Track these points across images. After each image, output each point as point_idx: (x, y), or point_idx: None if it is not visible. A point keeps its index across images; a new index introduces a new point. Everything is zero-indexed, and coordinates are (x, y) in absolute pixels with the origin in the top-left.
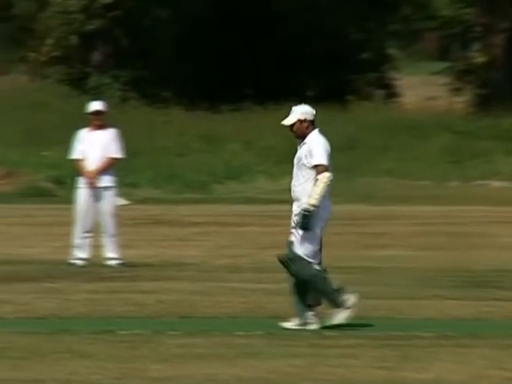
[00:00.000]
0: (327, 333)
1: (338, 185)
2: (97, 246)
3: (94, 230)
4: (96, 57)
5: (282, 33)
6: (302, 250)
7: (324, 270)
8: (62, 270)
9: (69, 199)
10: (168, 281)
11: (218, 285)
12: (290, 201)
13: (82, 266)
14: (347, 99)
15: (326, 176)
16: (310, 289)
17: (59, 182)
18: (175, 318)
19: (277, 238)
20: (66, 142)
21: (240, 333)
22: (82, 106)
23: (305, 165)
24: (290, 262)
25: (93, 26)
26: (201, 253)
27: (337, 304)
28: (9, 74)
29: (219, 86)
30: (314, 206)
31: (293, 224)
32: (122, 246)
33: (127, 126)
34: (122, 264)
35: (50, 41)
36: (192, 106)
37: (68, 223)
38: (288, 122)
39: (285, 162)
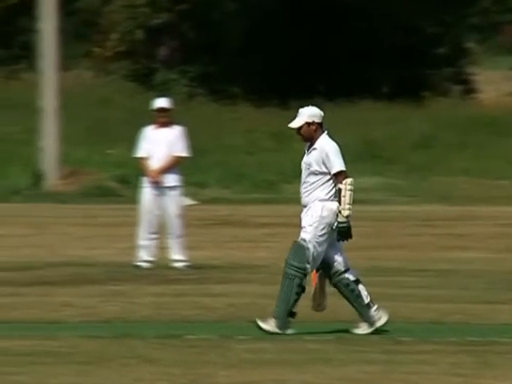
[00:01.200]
0: (402, 338)
1: (412, 184)
2: (162, 248)
3: (160, 231)
4: (162, 52)
5: (355, 26)
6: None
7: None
8: (127, 273)
9: (134, 199)
10: (237, 283)
11: None
12: (361, 201)
13: (148, 268)
14: (423, 95)
15: (348, 182)
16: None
17: (124, 181)
18: (244, 323)
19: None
20: (131, 139)
21: (310, 338)
22: (148, 102)
23: (314, 172)
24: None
25: (159, 19)
26: (270, 254)
27: (282, 317)
28: (73, 70)
29: (289, 81)
30: (348, 216)
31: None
32: (188, 247)
33: (194, 123)
34: (188, 266)
35: (114, 35)
36: (261, 103)
37: (133, 224)
38: (295, 124)
39: (357, 160)
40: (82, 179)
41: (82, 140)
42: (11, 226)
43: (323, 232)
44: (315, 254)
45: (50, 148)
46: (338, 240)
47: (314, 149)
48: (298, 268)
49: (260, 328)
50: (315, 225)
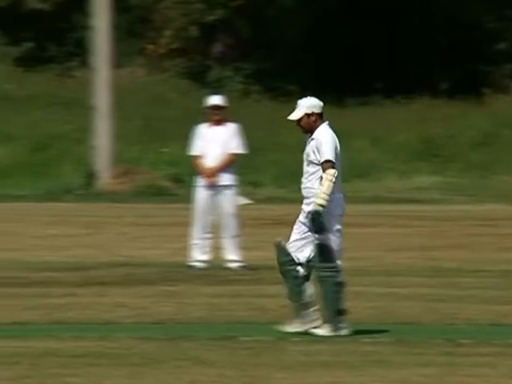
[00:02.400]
0: (461, 340)
1: (472, 183)
2: (217, 248)
3: (214, 231)
4: (217, 48)
5: (414, 22)
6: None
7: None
8: (181, 273)
9: (188, 198)
10: None
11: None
12: (420, 200)
13: (202, 269)
14: (482, 92)
15: (330, 173)
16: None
17: (178, 180)
18: None
19: (406, 240)
20: (185, 137)
21: (367, 339)
22: (202, 100)
23: (312, 161)
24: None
25: (214, 16)
26: None
27: (332, 319)
28: (126, 68)
29: (346, 78)
30: (321, 206)
31: (301, 223)
32: (243, 247)
33: (249, 120)
34: (243, 266)
35: (168, 32)
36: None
37: (187, 223)
38: (294, 116)
39: (416, 159)
40: (135, 178)
41: (136, 138)
42: (64, 226)
43: (335, 225)
44: (337, 246)
45: (103, 147)
46: (311, 229)
47: (313, 139)
48: (329, 268)
49: (316, 335)
50: (326, 222)
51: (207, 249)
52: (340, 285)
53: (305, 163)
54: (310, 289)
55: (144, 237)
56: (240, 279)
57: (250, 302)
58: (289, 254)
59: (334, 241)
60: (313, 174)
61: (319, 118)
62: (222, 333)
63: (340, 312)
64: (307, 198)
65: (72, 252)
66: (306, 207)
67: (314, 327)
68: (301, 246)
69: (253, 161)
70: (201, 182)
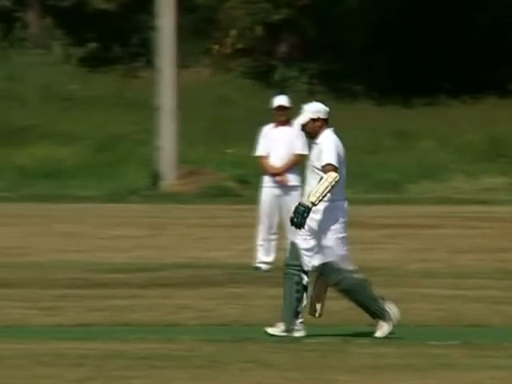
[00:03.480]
0: None
1: None
2: (282, 249)
3: (280, 232)
4: (282, 48)
5: (480, 21)
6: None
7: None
8: (247, 275)
9: (253, 199)
10: None
11: (411, 291)
12: (486, 201)
13: (267, 270)
14: None
15: (332, 176)
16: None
17: (243, 180)
18: (365, 326)
19: (474, 241)
20: (250, 138)
21: (434, 342)
22: (267, 100)
23: (316, 167)
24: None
25: (279, 15)
26: (392, 257)
27: (382, 315)
28: (191, 68)
29: (413, 78)
30: (313, 204)
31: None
32: None
33: None
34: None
35: (233, 32)
36: (383, 101)
37: (252, 225)
38: (299, 121)
39: (483, 159)
40: (199, 179)
41: (200, 139)
42: (128, 227)
43: (341, 232)
44: (342, 253)
45: (167, 147)
46: (291, 221)
47: (316, 144)
48: (344, 277)
49: (270, 334)
50: (333, 230)
51: (272, 250)
52: (363, 281)
53: (308, 170)
54: (305, 300)
55: (209, 238)
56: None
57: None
58: (298, 259)
59: (338, 247)
60: (315, 180)
61: (324, 123)
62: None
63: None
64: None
65: (136, 253)
66: (312, 214)
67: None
68: (307, 253)
69: None
70: (266, 182)
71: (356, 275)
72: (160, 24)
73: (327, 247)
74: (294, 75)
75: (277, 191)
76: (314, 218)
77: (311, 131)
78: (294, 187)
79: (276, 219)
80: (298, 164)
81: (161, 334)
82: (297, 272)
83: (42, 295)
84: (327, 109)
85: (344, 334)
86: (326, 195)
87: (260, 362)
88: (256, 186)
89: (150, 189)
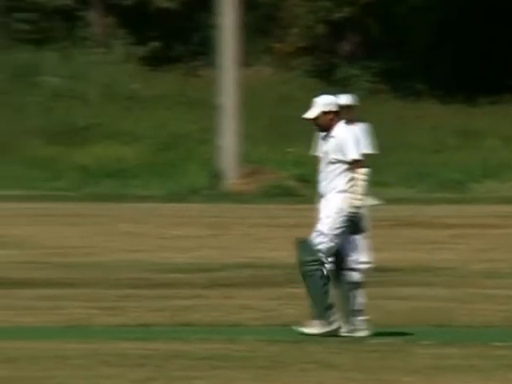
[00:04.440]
0: None
1: None
2: None
3: None
4: (344, 47)
5: None
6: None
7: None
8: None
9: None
10: (420, 286)
11: (475, 291)
12: None
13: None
14: None
15: (362, 172)
16: (307, 283)
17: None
18: (428, 327)
19: None
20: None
21: (498, 343)
22: None
23: (331, 161)
24: (301, 246)
25: (342, 13)
26: (456, 257)
27: (323, 315)
28: (253, 66)
29: (477, 76)
30: (358, 207)
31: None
32: (372, 248)
33: (377, 120)
34: (372, 268)
35: (295, 30)
36: (447, 99)
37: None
38: (311, 115)
39: None
40: (261, 178)
41: (262, 138)
42: (190, 227)
43: (341, 224)
44: (331, 245)
45: (228, 147)
46: (351, 232)
47: (332, 137)
48: (313, 261)
49: (307, 334)
50: (334, 216)
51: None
52: (327, 278)
53: (322, 162)
54: (361, 297)
55: (270, 238)
56: (368, 281)
57: (377, 304)
58: (314, 254)
59: (328, 236)
60: (331, 173)
61: (336, 116)
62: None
63: (329, 307)
64: (325, 196)
65: (198, 253)
66: (323, 202)
67: (353, 333)
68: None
69: (380, 160)
70: None
71: (326, 270)
72: (221, 22)
73: (319, 231)
74: (356, 73)
75: None
76: (323, 206)
77: (323, 124)
78: None
79: None
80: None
81: (223, 335)
82: (316, 267)
83: (105, 295)
84: (338, 101)
85: (406, 335)
86: (364, 192)
87: (321, 363)
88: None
89: (212, 188)
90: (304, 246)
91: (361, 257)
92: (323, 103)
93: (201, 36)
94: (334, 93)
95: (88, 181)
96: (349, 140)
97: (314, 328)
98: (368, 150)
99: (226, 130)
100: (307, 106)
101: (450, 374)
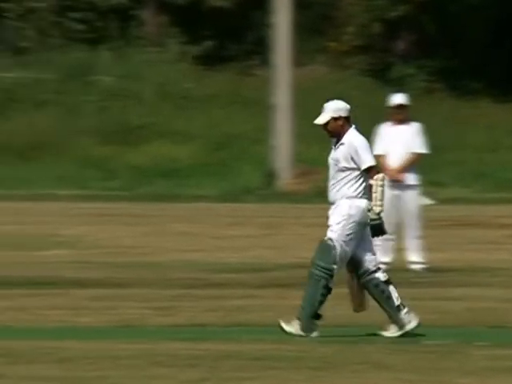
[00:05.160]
0: None
1: None
2: (399, 249)
3: (397, 232)
4: (400, 45)
5: None
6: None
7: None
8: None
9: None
10: (477, 287)
11: None
12: None
13: (384, 271)
14: None
15: (379, 178)
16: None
17: None
18: (484, 328)
19: None
20: (367, 137)
21: None
22: (384, 98)
23: (341, 168)
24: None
25: (397, 12)
26: None
27: (306, 319)
28: (307, 66)
29: None
30: (379, 213)
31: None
32: (426, 249)
33: (432, 119)
34: (426, 268)
35: (350, 29)
36: (504, 98)
37: None
38: (321, 121)
39: None
40: (315, 178)
41: (315, 138)
42: (243, 227)
43: (351, 231)
44: (342, 253)
45: (282, 146)
46: (373, 236)
47: (342, 144)
48: (325, 269)
49: (283, 330)
50: (343, 223)
51: (390, 250)
52: (328, 290)
53: (331, 169)
54: (395, 291)
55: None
56: (422, 281)
57: (432, 304)
58: (329, 262)
59: (343, 247)
60: (340, 180)
61: (346, 121)
62: (402, 336)
63: (317, 316)
64: (334, 203)
65: (252, 253)
66: (332, 209)
67: (410, 328)
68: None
69: (436, 160)
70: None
71: (331, 283)
72: (276, 21)
73: (329, 238)
74: (411, 73)
75: (395, 191)
76: (332, 213)
77: (333, 130)
78: (411, 186)
79: (394, 219)
80: (417, 163)
81: (276, 335)
82: (325, 276)
83: (159, 295)
84: (348, 107)
85: (461, 336)
86: (383, 198)
87: (374, 364)
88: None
89: (265, 188)
90: (324, 250)
91: (413, 257)
92: (333, 109)
93: (255, 35)
94: (389, 92)
95: (142, 180)
96: (361, 147)
97: (292, 327)
98: (422, 150)
99: (279, 129)
100: (362, 105)
101: (504, 376)
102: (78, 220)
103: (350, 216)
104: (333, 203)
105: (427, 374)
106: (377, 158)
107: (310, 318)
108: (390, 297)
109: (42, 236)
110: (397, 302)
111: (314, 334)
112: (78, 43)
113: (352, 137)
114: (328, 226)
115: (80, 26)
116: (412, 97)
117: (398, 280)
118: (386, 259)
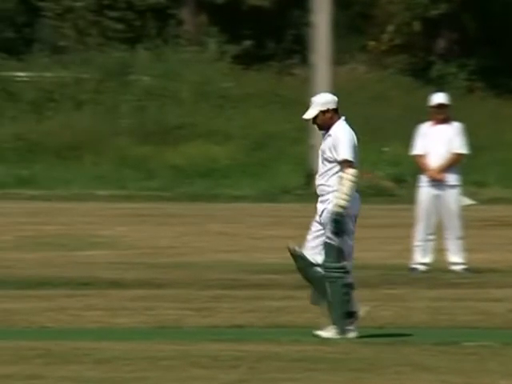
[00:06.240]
0: None
1: None
2: (439, 250)
3: (437, 233)
4: (440, 44)
5: None
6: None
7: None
8: (402, 276)
9: (409, 199)
10: None
11: None
12: None
13: (424, 272)
14: None
15: (350, 173)
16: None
17: (399, 180)
18: None
19: None
20: (407, 136)
21: None
22: (425, 97)
23: (328, 159)
24: (299, 257)
25: (438, 10)
26: None
27: (339, 322)
28: (347, 65)
29: None
30: (343, 207)
31: (316, 223)
32: (467, 249)
33: (473, 118)
34: (467, 269)
35: (390, 28)
36: None
37: (408, 225)
38: (309, 115)
39: None
40: None
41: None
42: (282, 227)
43: (349, 224)
44: (346, 247)
45: None
46: (331, 232)
47: (329, 135)
48: (336, 268)
49: (321, 338)
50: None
51: (430, 251)
52: (349, 286)
53: (320, 160)
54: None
55: (364, 238)
56: (463, 282)
57: (473, 306)
58: (305, 258)
59: (347, 242)
60: (328, 171)
61: (335, 113)
62: (444, 338)
63: (348, 314)
64: (321, 196)
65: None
66: (321, 205)
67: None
68: (316, 247)
69: (477, 160)
70: (424, 181)
71: (349, 277)
72: (315, 20)
73: (330, 237)
74: (452, 71)
75: (435, 191)
76: (321, 209)
77: (322, 123)
78: (452, 186)
79: (434, 220)
80: (458, 163)
81: (315, 336)
82: (339, 274)
83: (197, 296)
84: (336, 99)
85: (504, 337)
86: (351, 194)
87: (417, 365)
88: (413, 186)
89: (305, 188)
90: (329, 250)
91: (454, 258)
92: (321, 102)
93: (294, 34)
94: (430, 91)
95: (180, 181)
96: (344, 139)
97: (330, 333)
98: (462, 150)
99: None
100: (402, 104)
101: None
102: (116, 220)
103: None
104: (321, 195)
105: (470, 376)
106: (417, 157)
107: (342, 319)
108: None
109: (81, 236)
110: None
111: (352, 335)
112: (117, 42)
113: (338, 128)
114: (317, 221)
115: (118, 25)
116: (453, 96)
117: (439, 281)
118: (426, 260)
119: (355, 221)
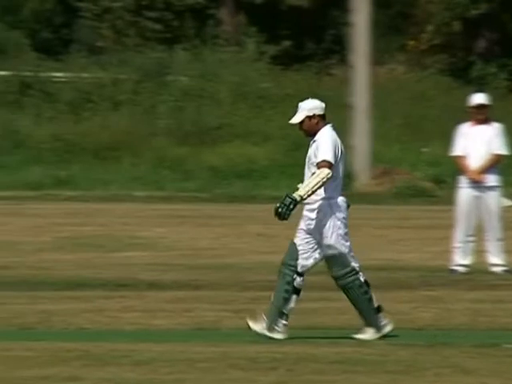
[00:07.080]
0: None
1: None
2: (480, 251)
3: (477, 234)
4: (481, 44)
5: None
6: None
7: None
8: (441, 277)
9: (449, 200)
10: None
11: None
12: None
13: (464, 273)
14: None
15: (324, 172)
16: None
17: (438, 180)
18: None
19: None
20: (447, 137)
21: None
22: (463, 98)
23: (314, 164)
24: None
25: (478, 10)
26: None
27: (373, 321)
28: (386, 65)
29: None
30: (301, 197)
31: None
32: (507, 251)
33: None
34: (507, 271)
35: (430, 27)
36: None
37: (448, 226)
38: (295, 120)
39: None
40: (394, 179)
41: (395, 138)
42: None
43: (341, 228)
44: (348, 249)
45: (361, 147)
46: (275, 213)
47: (314, 141)
48: (347, 273)
49: (363, 340)
50: (332, 225)
51: (470, 252)
52: (365, 284)
53: (306, 167)
54: (293, 303)
55: (403, 239)
56: (504, 284)
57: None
58: (296, 260)
59: (345, 245)
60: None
61: (321, 119)
62: (484, 340)
63: (376, 310)
64: (308, 204)
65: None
66: (308, 213)
67: (270, 336)
68: (304, 253)
69: None
70: (464, 182)
71: (361, 276)
72: (354, 20)
73: (328, 245)
74: (493, 72)
75: (475, 192)
76: (310, 218)
77: (308, 129)
78: (493, 188)
79: (474, 221)
80: (498, 164)
81: (353, 338)
82: (290, 272)
83: (235, 297)
84: (323, 105)
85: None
86: (315, 190)
87: (457, 368)
88: (452, 187)
89: (343, 189)
90: (333, 259)
91: (494, 259)
92: (308, 108)
93: (333, 34)
94: (470, 92)
95: (218, 181)
96: (326, 143)
97: (368, 334)
98: (502, 151)
99: (358, 129)
100: (441, 104)
101: None
102: (154, 221)
103: (334, 216)
104: (306, 203)
105: (510, 379)
106: (457, 158)
107: (372, 317)
108: (288, 299)
109: (119, 237)
110: (290, 306)
111: (389, 328)
112: (155, 43)
113: (322, 133)
114: (303, 229)
115: (156, 26)
116: (493, 96)
117: (479, 283)
118: (466, 261)
119: (347, 224)
